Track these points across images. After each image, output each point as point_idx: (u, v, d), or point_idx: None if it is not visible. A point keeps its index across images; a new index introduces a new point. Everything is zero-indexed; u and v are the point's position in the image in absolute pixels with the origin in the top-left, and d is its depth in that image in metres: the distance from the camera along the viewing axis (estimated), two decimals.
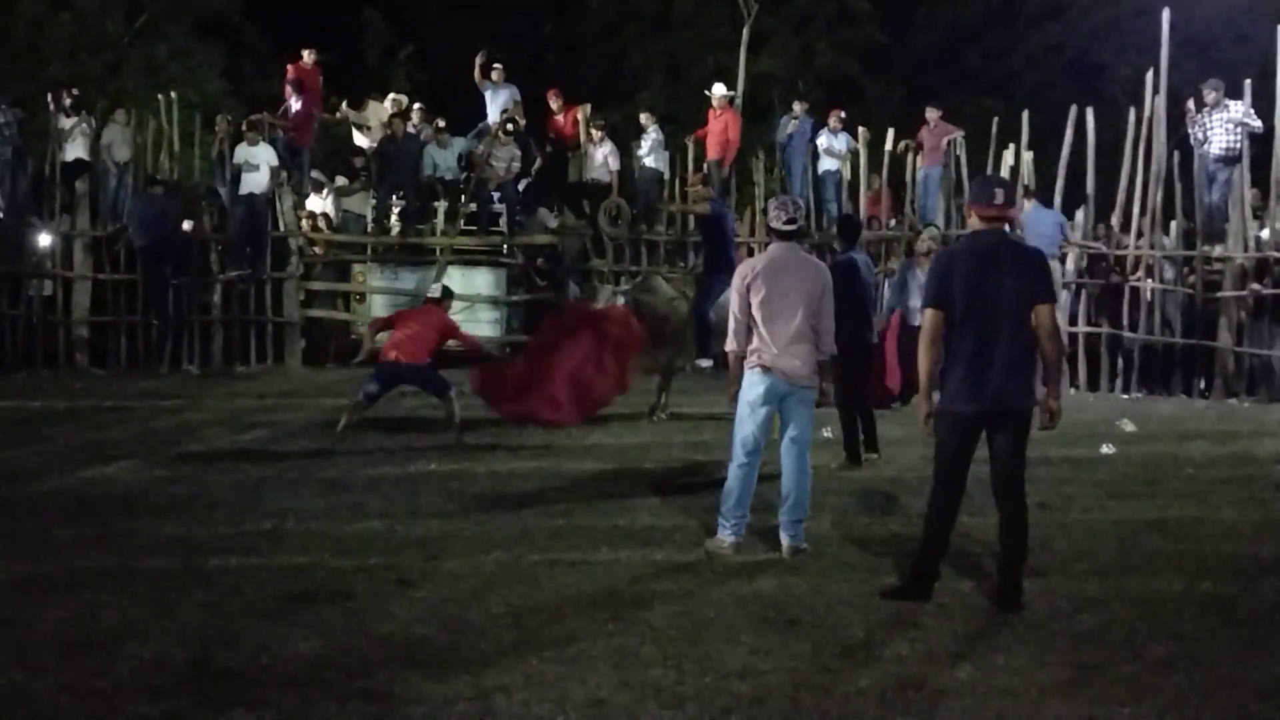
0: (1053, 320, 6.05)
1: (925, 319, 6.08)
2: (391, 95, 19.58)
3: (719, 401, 13.39)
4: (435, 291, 11.50)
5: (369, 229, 17.98)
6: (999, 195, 6.08)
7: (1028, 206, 15.04)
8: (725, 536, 6.93)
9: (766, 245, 8.31)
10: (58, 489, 8.80)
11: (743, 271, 7.07)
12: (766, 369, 6.85)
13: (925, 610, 5.94)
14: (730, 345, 7.05)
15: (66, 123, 17.37)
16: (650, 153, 18.04)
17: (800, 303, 6.87)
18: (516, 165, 17.48)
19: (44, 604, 5.92)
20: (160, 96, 18.92)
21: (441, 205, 17.65)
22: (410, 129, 17.82)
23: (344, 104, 19.24)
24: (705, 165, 17.59)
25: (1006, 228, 6.47)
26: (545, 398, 11.13)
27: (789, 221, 7.04)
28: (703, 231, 13.12)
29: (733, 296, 7.11)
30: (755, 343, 6.90)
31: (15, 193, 17.07)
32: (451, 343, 11.24)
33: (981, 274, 5.92)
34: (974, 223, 6.16)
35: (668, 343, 11.98)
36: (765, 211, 7.34)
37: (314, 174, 18.90)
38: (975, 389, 5.92)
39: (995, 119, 17.17)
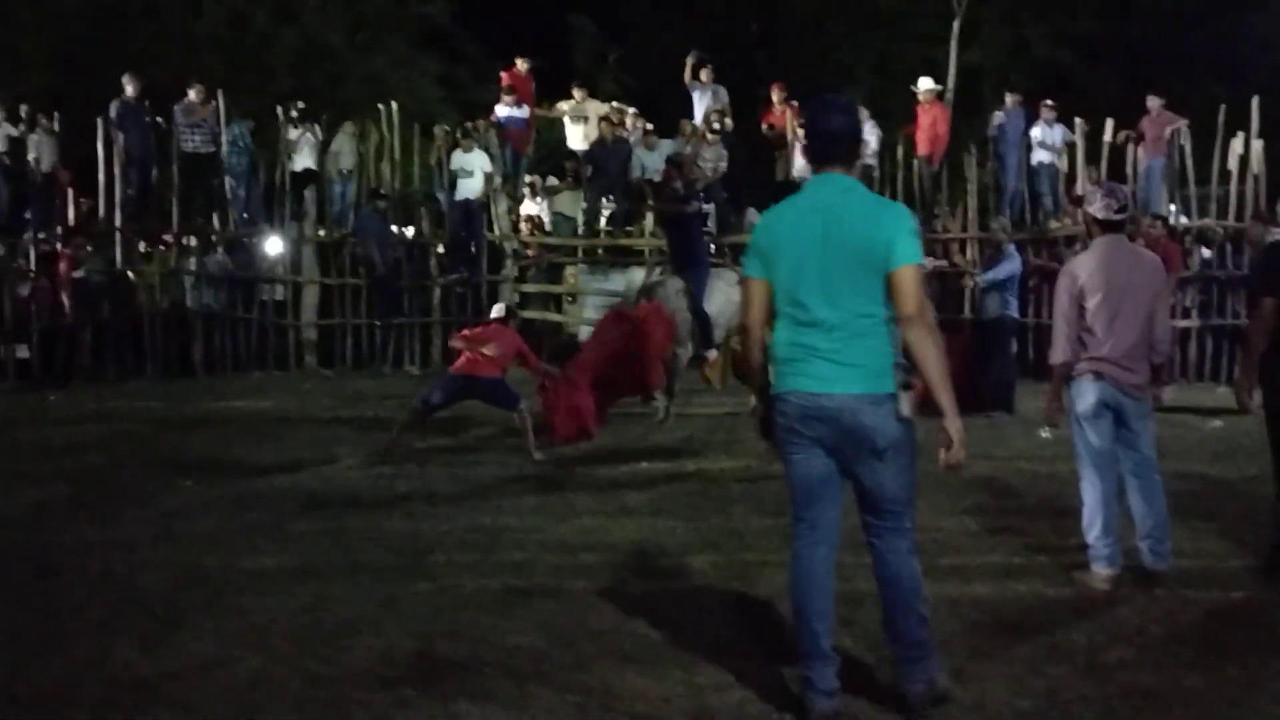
0: None
1: None
2: (613, 104, 19.87)
3: None
4: (500, 311, 11.06)
5: (579, 231, 18.31)
6: None
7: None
8: (1100, 569, 6.27)
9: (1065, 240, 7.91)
10: (290, 485, 9.22)
11: (1072, 272, 6.35)
12: (1099, 375, 6.23)
13: (1150, 616, 5.75)
14: (1058, 357, 6.35)
15: (294, 133, 18.22)
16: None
17: (1143, 302, 6.23)
18: (724, 165, 17.52)
19: (280, 594, 6.19)
20: (381, 106, 19.61)
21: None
22: (623, 134, 18.02)
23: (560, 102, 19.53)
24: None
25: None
26: (569, 410, 10.60)
27: (1120, 210, 6.33)
28: (680, 227, 12.53)
29: (1060, 301, 6.36)
30: (1085, 349, 6.26)
31: (249, 201, 18.00)
32: None
33: None
34: None
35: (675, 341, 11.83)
36: (1082, 202, 6.82)
37: (528, 179, 19.31)
38: None
39: (1222, 106, 16.37)
